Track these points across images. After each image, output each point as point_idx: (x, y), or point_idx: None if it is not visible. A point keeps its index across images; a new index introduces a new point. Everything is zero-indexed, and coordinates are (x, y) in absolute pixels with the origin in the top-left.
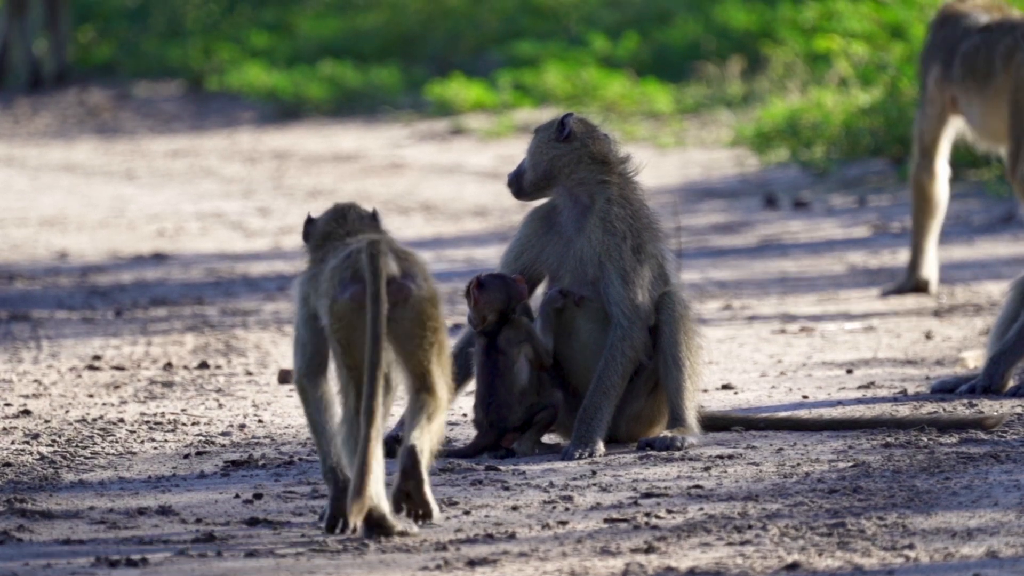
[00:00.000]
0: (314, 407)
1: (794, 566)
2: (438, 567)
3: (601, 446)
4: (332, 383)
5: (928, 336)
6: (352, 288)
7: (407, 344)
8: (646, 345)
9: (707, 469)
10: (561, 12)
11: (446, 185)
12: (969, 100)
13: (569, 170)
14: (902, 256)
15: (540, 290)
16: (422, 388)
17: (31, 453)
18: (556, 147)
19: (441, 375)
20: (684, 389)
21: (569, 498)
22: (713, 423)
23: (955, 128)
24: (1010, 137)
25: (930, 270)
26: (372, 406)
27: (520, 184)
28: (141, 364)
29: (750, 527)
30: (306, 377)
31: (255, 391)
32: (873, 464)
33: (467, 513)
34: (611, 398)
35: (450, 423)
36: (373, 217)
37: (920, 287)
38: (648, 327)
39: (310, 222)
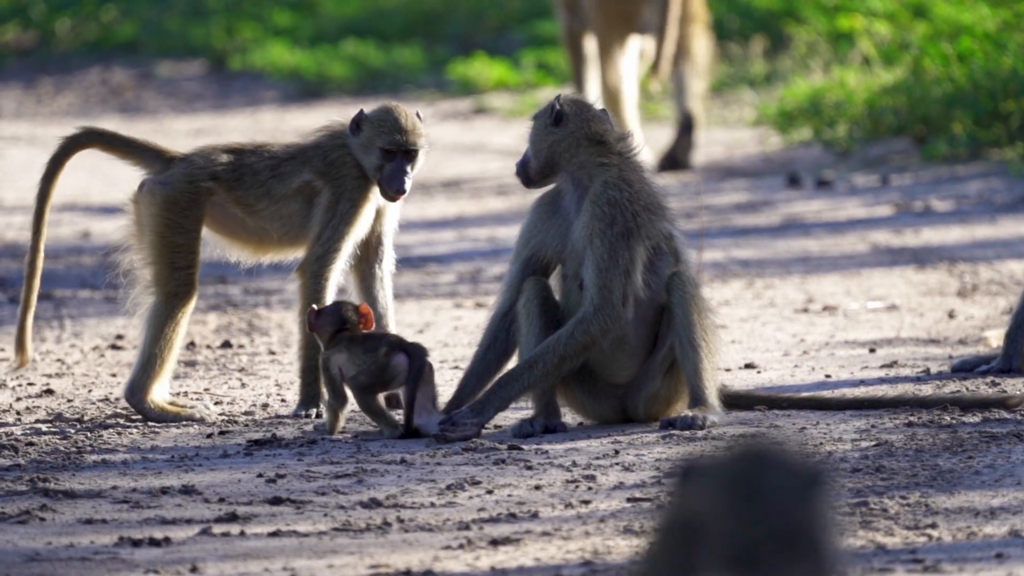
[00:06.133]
0: None
1: None
2: (461, 546)
3: (485, 421)
4: None
5: (951, 315)
6: None
7: None
8: (617, 331)
9: (730, 448)
10: None
11: (469, 164)
12: None
13: (569, 155)
14: (926, 235)
15: (554, 276)
16: None
17: (54, 432)
18: (552, 133)
19: None
20: (702, 369)
21: (592, 477)
22: (736, 402)
23: None
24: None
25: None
26: None
27: (527, 173)
28: None
29: None
30: None
31: (278, 370)
32: (896, 443)
33: (490, 492)
34: (536, 375)
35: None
36: None
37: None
38: (657, 307)
39: None
